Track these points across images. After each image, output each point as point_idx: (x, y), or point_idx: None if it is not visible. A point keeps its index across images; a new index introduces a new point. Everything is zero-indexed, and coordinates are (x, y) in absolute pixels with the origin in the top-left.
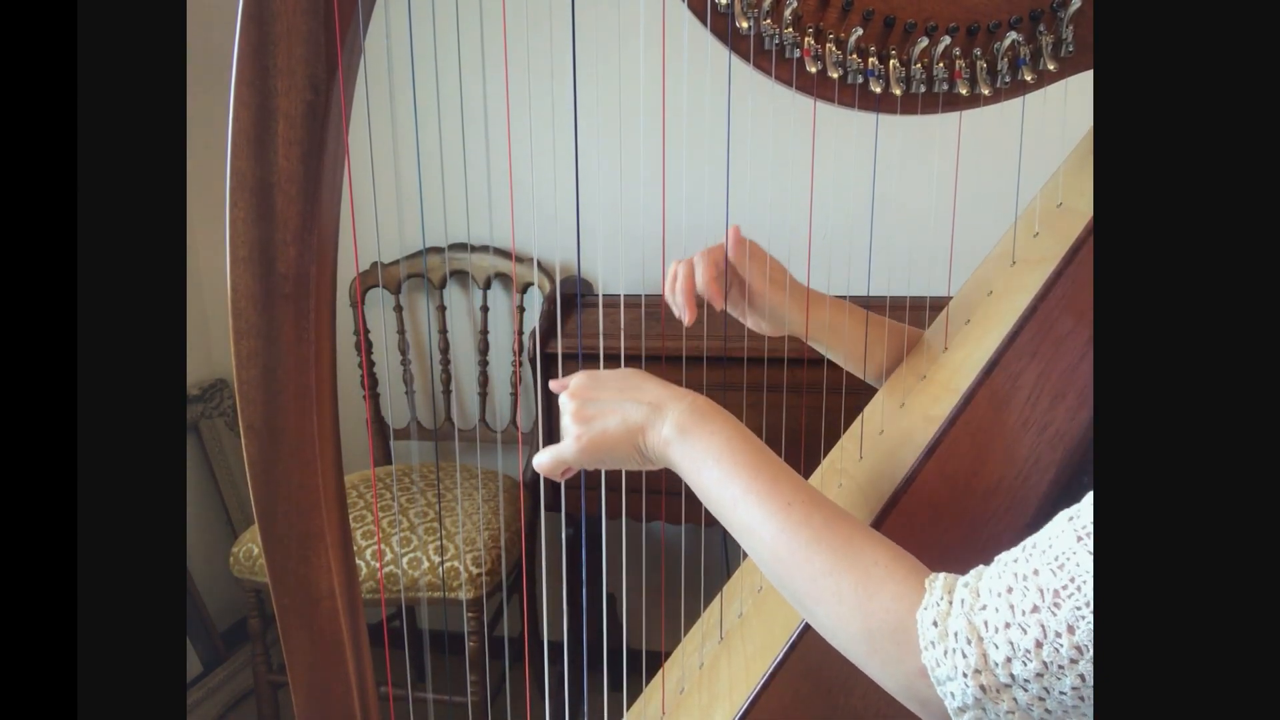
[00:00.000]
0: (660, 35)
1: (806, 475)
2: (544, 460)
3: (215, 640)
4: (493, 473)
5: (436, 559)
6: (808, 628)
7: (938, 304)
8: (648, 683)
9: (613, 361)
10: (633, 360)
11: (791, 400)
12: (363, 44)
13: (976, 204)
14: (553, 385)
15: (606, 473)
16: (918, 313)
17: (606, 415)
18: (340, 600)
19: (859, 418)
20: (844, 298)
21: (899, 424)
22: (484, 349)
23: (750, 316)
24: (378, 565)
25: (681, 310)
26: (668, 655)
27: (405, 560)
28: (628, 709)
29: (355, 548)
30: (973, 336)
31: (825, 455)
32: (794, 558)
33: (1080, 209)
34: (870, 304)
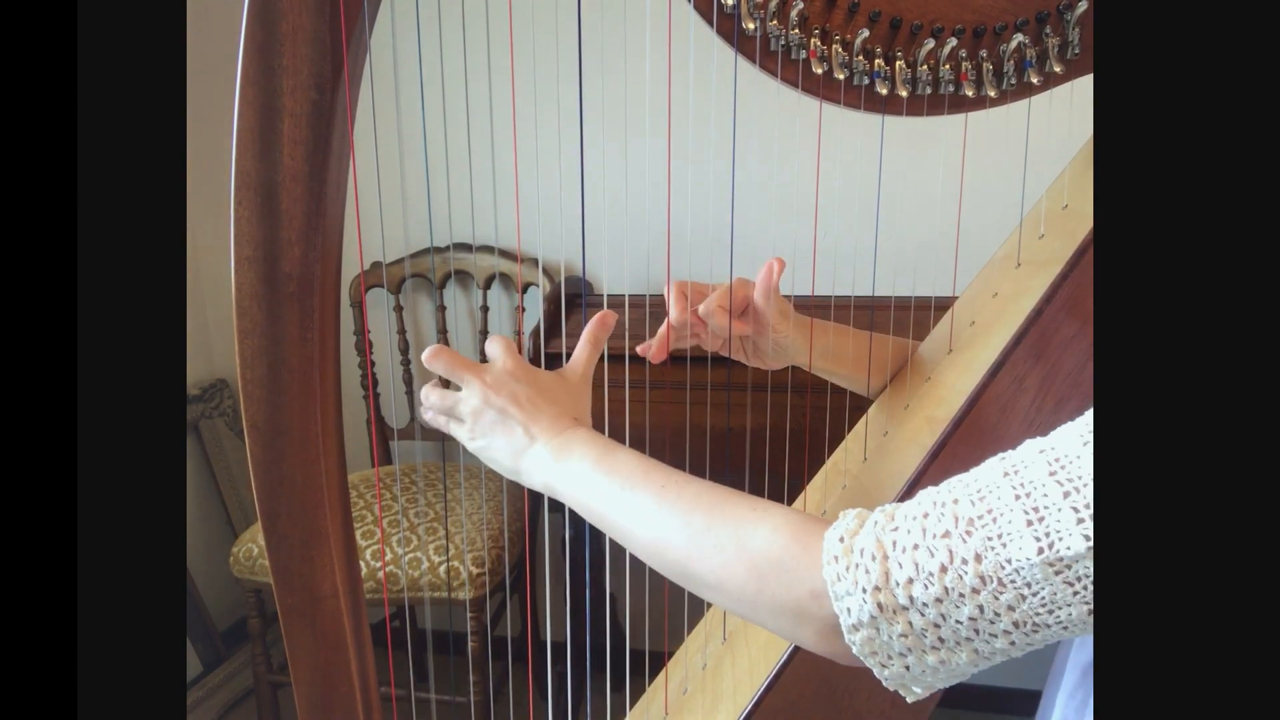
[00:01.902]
0: (666, 36)
1: (809, 476)
2: (434, 414)
3: (215, 640)
4: (493, 473)
5: (437, 559)
6: None
7: (942, 305)
8: (650, 683)
9: (615, 362)
10: (636, 361)
11: (795, 400)
12: (368, 43)
13: (982, 206)
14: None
15: None
16: (922, 313)
17: (494, 439)
18: (343, 599)
19: (863, 419)
20: (849, 299)
21: (903, 426)
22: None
23: (754, 357)
24: (379, 565)
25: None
26: (669, 655)
27: (406, 560)
28: (629, 709)
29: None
30: (977, 339)
31: (828, 456)
32: (670, 532)
33: (1086, 211)
34: (875, 305)
